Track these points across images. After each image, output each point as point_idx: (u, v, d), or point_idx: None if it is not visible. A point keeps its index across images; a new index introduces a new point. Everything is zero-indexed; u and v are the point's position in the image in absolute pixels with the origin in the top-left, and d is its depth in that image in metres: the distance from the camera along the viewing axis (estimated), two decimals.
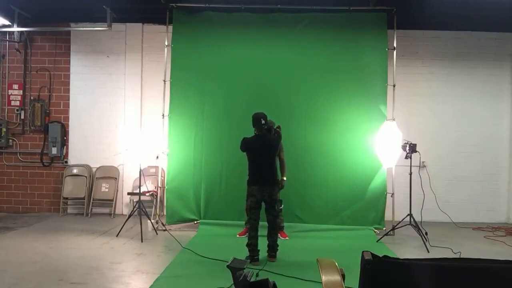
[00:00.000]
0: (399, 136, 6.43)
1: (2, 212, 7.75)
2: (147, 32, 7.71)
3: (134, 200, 6.65)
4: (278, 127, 5.41)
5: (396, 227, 6.14)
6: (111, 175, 7.65)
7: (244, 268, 2.54)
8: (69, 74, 7.84)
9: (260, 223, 5.02)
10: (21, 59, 7.89)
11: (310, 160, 6.63)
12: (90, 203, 7.53)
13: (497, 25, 7.31)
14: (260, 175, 4.98)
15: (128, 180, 7.63)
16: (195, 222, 6.67)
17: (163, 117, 6.76)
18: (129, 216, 6.31)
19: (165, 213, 6.87)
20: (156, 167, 7.33)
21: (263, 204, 5.04)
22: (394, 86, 6.67)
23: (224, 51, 6.77)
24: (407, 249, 5.73)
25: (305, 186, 6.60)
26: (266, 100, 6.48)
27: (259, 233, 4.96)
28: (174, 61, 6.74)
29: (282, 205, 5.78)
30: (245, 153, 5.10)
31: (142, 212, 6.04)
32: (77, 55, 7.83)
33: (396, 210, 6.46)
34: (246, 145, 5.03)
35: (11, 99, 7.94)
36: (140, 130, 7.39)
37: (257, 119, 5.03)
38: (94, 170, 7.73)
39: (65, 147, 7.81)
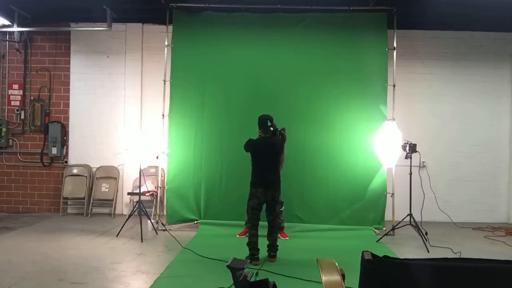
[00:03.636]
0: (399, 136, 6.43)
1: (2, 212, 7.75)
2: (147, 32, 7.71)
3: (134, 200, 6.65)
4: (283, 129, 5.40)
5: (396, 227, 6.14)
6: (111, 175, 7.66)
7: (244, 268, 2.54)
8: (69, 74, 7.84)
9: (260, 223, 5.03)
10: (21, 59, 7.89)
11: (310, 160, 6.63)
12: (90, 203, 7.53)
13: (497, 25, 7.31)
14: (265, 178, 4.98)
15: (128, 180, 7.63)
16: (195, 222, 6.67)
17: (163, 117, 6.75)
18: (129, 216, 6.31)
19: (165, 213, 6.87)
20: (156, 167, 7.33)
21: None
22: (394, 86, 6.67)
23: (224, 51, 6.77)
24: (407, 249, 5.73)
25: (305, 186, 6.60)
26: (266, 100, 6.50)
27: (259, 233, 4.96)
28: (174, 61, 6.74)
29: (283, 207, 5.80)
30: (249, 154, 5.09)
31: (142, 212, 6.04)
32: (77, 55, 7.84)
33: (396, 210, 6.46)
34: (252, 146, 5.03)
35: (11, 99, 7.94)
36: (140, 130, 7.38)
37: (264, 121, 5.03)
38: (94, 170, 7.73)
39: (65, 147, 7.81)
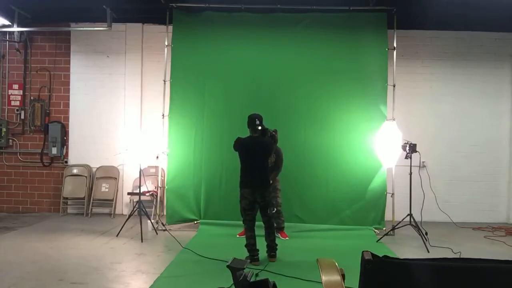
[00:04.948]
0: (399, 136, 6.43)
1: (2, 212, 7.75)
2: (147, 32, 7.71)
3: (134, 200, 6.66)
4: (274, 130, 5.38)
5: (396, 227, 6.14)
6: (111, 175, 7.66)
7: (244, 268, 2.54)
8: (69, 74, 7.84)
9: (258, 223, 5.01)
10: (21, 59, 7.89)
11: (310, 160, 6.63)
12: (90, 203, 7.53)
13: (497, 25, 7.31)
14: (251, 178, 4.91)
15: (128, 180, 7.63)
16: (195, 222, 6.67)
17: (163, 117, 6.76)
18: (129, 216, 6.31)
19: (165, 213, 6.87)
20: (156, 167, 7.33)
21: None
22: (394, 86, 6.67)
23: (224, 51, 6.77)
24: (407, 249, 5.72)
25: (305, 186, 6.60)
26: (266, 100, 6.50)
27: (257, 234, 4.95)
28: (174, 61, 6.74)
29: (275, 209, 5.77)
30: (237, 153, 5.05)
31: (142, 212, 6.04)
32: (77, 55, 7.84)
33: (396, 210, 6.46)
34: (240, 145, 4.96)
35: (11, 99, 7.94)
36: (140, 130, 7.39)
37: (252, 120, 4.98)
38: (94, 170, 7.73)
39: (65, 147, 7.81)
